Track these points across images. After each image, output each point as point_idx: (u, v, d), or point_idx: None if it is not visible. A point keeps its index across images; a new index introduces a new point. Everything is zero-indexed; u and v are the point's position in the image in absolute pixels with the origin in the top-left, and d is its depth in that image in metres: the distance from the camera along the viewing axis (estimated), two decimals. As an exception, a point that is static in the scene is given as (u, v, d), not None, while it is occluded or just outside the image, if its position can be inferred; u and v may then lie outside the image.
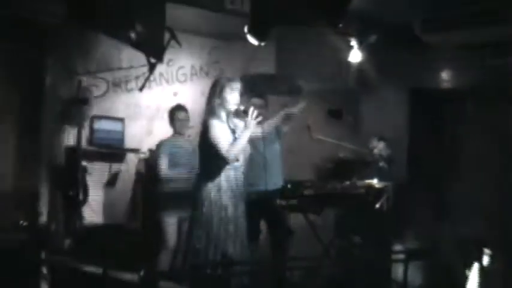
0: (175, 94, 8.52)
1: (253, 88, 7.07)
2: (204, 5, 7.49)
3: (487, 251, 6.14)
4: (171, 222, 6.80)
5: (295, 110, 6.36)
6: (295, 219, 7.16)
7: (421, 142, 8.49)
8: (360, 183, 7.00)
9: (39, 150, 7.46)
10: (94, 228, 7.46)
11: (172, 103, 7.46)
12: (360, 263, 6.92)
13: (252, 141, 5.88)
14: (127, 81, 8.18)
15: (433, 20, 7.51)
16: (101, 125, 7.92)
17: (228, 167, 5.60)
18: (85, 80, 7.75)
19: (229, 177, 5.60)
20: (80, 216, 7.35)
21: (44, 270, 5.97)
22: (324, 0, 6.52)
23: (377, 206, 6.92)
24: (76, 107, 7.54)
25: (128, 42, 7.01)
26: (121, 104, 8.18)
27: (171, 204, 6.76)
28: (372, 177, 7.16)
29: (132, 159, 8.10)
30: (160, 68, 8.05)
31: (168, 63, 8.36)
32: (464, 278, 6.06)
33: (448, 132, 8.55)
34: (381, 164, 8.02)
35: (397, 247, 7.59)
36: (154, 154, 7.13)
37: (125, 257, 6.87)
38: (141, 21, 6.81)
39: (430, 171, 8.28)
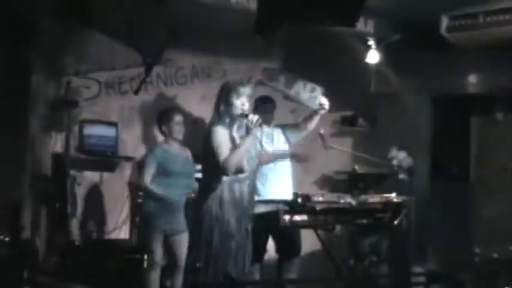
0: (174, 97, 8.45)
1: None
2: (206, 0, 7.42)
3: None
4: (153, 237, 6.66)
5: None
6: (306, 237, 7.08)
7: (445, 152, 8.39)
8: (377, 197, 6.95)
9: (23, 157, 7.38)
10: (82, 245, 7.35)
11: (172, 105, 7.41)
12: (376, 285, 6.84)
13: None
14: (121, 83, 8.12)
15: (459, 17, 7.43)
16: (92, 130, 7.84)
17: (231, 178, 5.52)
18: (75, 81, 7.67)
19: (232, 190, 5.55)
20: (67, 231, 7.25)
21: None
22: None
23: (396, 222, 6.86)
24: (64, 110, 7.48)
25: (122, 40, 6.95)
26: (114, 107, 8.10)
27: (162, 217, 6.65)
28: (390, 191, 7.07)
29: (126, 168, 8.01)
30: (157, 69, 7.98)
31: (166, 64, 8.30)
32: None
33: (476, 142, 8.45)
34: (401, 176, 7.94)
35: (417, 269, 7.50)
36: (145, 160, 6.99)
37: (115, 275, 6.80)
38: (137, 18, 6.75)
39: (455, 185, 8.19)
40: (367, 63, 8.25)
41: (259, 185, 6.64)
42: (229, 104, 5.60)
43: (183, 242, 6.69)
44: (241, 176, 5.57)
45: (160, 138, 7.06)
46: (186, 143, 7.01)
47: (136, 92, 7.69)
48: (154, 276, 6.69)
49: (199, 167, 7.20)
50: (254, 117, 5.49)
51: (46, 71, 7.56)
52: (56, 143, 7.56)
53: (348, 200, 6.76)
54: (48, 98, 7.57)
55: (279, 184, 6.83)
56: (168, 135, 6.85)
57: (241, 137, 5.58)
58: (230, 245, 5.47)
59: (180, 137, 6.91)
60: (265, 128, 6.86)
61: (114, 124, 8.01)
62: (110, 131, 7.95)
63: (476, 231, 7.97)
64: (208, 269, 5.43)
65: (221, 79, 8.65)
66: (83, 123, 7.76)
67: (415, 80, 8.21)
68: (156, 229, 6.64)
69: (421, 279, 6.19)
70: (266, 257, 7.10)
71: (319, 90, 6.90)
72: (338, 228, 7.22)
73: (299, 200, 6.53)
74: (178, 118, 6.92)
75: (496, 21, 7.25)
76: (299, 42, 8.37)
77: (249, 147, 5.53)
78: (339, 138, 8.50)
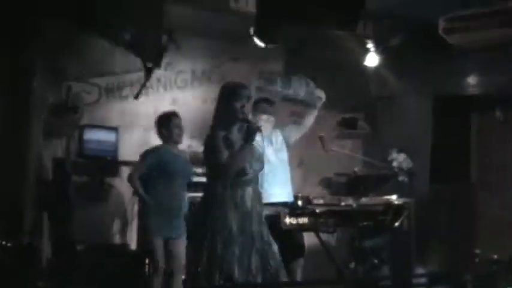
0: (174, 101, 8.46)
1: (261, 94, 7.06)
2: (206, 4, 7.44)
3: (519, 275, 6.03)
4: (153, 241, 6.67)
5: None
6: (306, 239, 7.09)
7: (445, 154, 8.40)
8: (377, 199, 6.97)
9: (24, 162, 7.38)
10: (83, 249, 7.36)
11: (171, 109, 7.40)
12: (377, 287, 6.85)
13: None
14: (121, 88, 8.14)
15: (459, 19, 7.45)
16: (93, 135, 7.85)
17: (234, 182, 5.52)
18: (75, 86, 7.69)
19: (235, 194, 5.53)
20: (69, 236, 7.26)
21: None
22: (338, -1, 6.48)
23: (396, 224, 6.87)
24: (65, 115, 7.49)
25: (122, 44, 6.97)
26: (114, 112, 8.12)
27: (162, 221, 6.66)
28: (390, 193, 7.08)
29: (126, 173, 8.01)
30: (157, 73, 7.97)
31: (166, 68, 8.29)
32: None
33: (476, 144, 8.46)
34: (401, 178, 7.94)
35: (419, 270, 7.51)
36: (142, 162, 6.97)
37: (116, 280, 6.82)
38: (137, 22, 6.77)
39: (456, 186, 8.19)
40: (366, 66, 8.26)
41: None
42: (229, 107, 5.57)
43: (181, 246, 6.71)
44: (244, 179, 5.57)
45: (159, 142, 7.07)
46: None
47: (136, 97, 7.70)
48: (157, 280, 6.71)
49: (199, 170, 7.36)
50: (255, 125, 5.51)
51: (47, 76, 7.56)
52: (57, 148, 7.57)
53: (348, 202, 6.78)
54: (49, 103, 7.58)
55: (278, 187, 6.81)
56: (167, 138, 6.85)
57: (241, 142, 5.58)
58: (234, 248, 5.45)
59: (180, 140, 6.92)
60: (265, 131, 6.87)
61: (114, 129, 8.01)
62: (110, 136, 7.96)
63: (476, 232, 7.98)
64: (213, 273, 5.40)
65: (221, 83, 8.68)
66: (84, 128, 7.77)
67: (415, 81, 8.22)
68: (156, 233, 6.65)
69: (423, 280, 6.18)
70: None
71: (312, 84, 6.92)
72: (339, 230, 7.22)
73: (300, 202, 6.55)
74: (176, 121, 6.92)
75: (494, 22, 7.27)
76: (299, 45, 8.40)
77: (247, 153, 5.54)
78: (339, 141, 8.51)
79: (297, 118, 7.11)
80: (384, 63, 8.17)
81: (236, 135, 5.59)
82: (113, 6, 6.69)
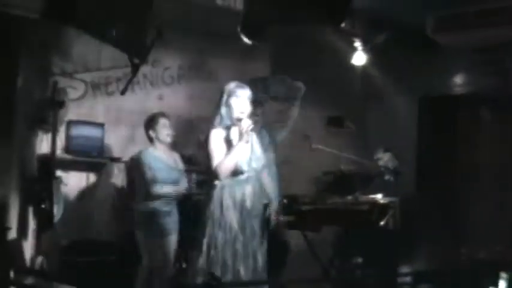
0: (160, 98, 8.47)
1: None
2: (194, 0, 7.43)
3: (503, 274, 6.06)
4: (151, 242, 6.70)
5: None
6: (292, 237, 7.11)
7: (431, 153, 8.43)
8: (363, 198, 6.98)
9: (8, 157, 7.35)
10: (69, 246, 7.35)
11: (158, 107, 7.40)
12: (362, 286, 6.87)
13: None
14: (107, 83, 8.12)
15: (446, 18, 7.47)
16: (79, 130, 7.83)
17: (231, 181, 5.60)
18: (61, 81, 7.65)
19: (233, 193, 5.61)
20: (54, 232, 7.25)
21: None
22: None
23: (382, 223, 6.89)
24: (51, 111, 7.44)
25: (108, 40, 6.94)
26: (101, 108, 8.11)
27: (152, 221, 6.67)
28: (376, 192, 7.10)
29: (112, 169, 8.01)
30: (144, 69, 8.00)
31: (153, 64, 8.31)
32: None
33: (462, 143, 8.48)
34: (387, 177, 7.96)
35: (404, 269, 7.54)
36: (135, 165, 7.00)
37: (102, 277, 6.81)
38: (124, 18, 6.75)
39: (441, 186, 8.23)
40: (354, 64, 8.28)
41: None
42: (228, 107, 5.68)
43: (170, 244, 6.73)
44: (241, 178, 5.63)
45: (147, 141, 7.06)
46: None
47: (123, 93, 7.68)
48: (143, 278, 6.72)
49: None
50: (246, 122, 5.55)
51: (32, 71, 7.54)
52: (42, 144, 7.53)
53: (334, 200, 6.79)
54: (35, 99, 7.55)
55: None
56: (156, 139, 6.85)
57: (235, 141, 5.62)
58: (236, 247, 5.53)
59: (169, 139, 6.92)
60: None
61: (100, 125, 7.99)
62: (96, 132, 7.94)
63: (462, 231, 8.02)
64: (216, 271, 5.47)
65: (208, 80, 8.70)
66: (70, 123, 7.76)
67: (402, 80, 8.24)
68: (146, 231, 6.66)
69: (407, 279, 6.22)
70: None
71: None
72: (324, 229, 7.23)
73: (286, 201, 6.55)
74: (164, 121, 6.92)
75: (482, 22, 7.29)
76: (286, 43, 8.41)
77: (240, 151, 5.56)
78: (325, 139, 8.51)
79: (282, 116, 7.11)
80: (371, 62, 8.18)
81: (235, 134, 5.64)
82: (100, 1, 6.66)
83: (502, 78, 7.67)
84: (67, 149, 7.73)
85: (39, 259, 7.09)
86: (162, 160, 6.80)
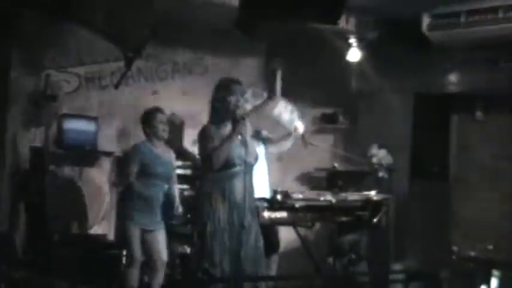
0: (154, 92, 8.44)
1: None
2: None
3: (495, 272, 6.07)
4: (130, 231, 6.67)
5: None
6: (285, 234, 7.10)
7: (425, 151, 8.43)
8: (356, 195, 6.96)
9: (1, 151, 7.35)
10: (60, 239, 7.34)
11: (152, 102, 7.38)
12: (354, 282, 6.87)
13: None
14: (101, 77, 8.09)
15: (441, 16, 7.47)
16: (72, 124, 7.81)
17: (222, 174, 5.61)
18: (54, 75, 7.64)
19: (223, 186, 5.63)
20: (46, 226, 7.23)
21: (3, 285, 5.86)
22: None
23: (375, 220, 6.89)
24: (44, 104, 7.45)
25: (103, 34, 6.93)
26: (94, 101, 8.08)
27: (140, 213, 6.66)
28: (370, 189, 7.10)
29: (105, 163, 8.00)
30: (138, 64, 7.97)
31: (147, 59, 8.27)
32: (471, 302, 6.00)
33: (456, 141, 8.49)
34: (381, 174, 7.97)
35: (397, 266, 7.55)
36: (129, 158, 6.99)
37: (94, 270, 6.80)
38: (118, 12, 6.74)
39: (435, 184, 8.23)
40: (348, 61, 8.28)
41: None
42: (223, 102, 5.70)
43: (160, 238, 6.73)
44: (232, 171, 5.64)
45: (141, 134, 7.05)
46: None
47: (116, 87, 7.68)
48: (134, 272, 6.71)
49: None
50: (239, 114, 5.57)
51: (25, 65, 7.52)
52: (35, 137, 7.52)
53: (327, 197, 6.79)
54: (28, 92, 7.53)
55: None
56: (152, 135, 6.84)
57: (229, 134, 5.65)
58: (224, 240, 5.53)
59: (165, 135, 6.90)
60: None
61: (93, 119, 7.97)
62: (89, 126, 7.92)
63: (454, 229, 8.03)
64: (203, 264, 5.48)
65: (202, 75, 8.69)
66: (63, 117, 7.73)
67: (396, 78, 8.24)
68: (135, 225, 6.65)
69: (400, 276, 6.22)
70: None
71: (296, 113, 7.00)
72: (317, 225, 7.24)
73: (278, 197, 6.54)
74: (161, 117, 6.91)
75: (476, 20, 7.30)
76: (281, 39, 8.40)
77: (232, 143, 5.59)
78: (319, 136, 8.52)
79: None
80: (365, 59, 8.18)
81: (228, 128, 5.67)
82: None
83: (496, 77, 7.68)
84: (60, 143, 7.70)
85: (30, 252, 7.09)
86: (157, 155, 6.79)
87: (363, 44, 8.01)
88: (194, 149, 7.51)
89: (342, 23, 7.72)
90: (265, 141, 6.98)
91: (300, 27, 7.74)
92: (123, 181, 6.79)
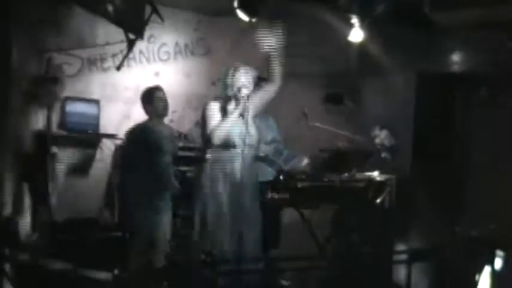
0: (156, 74, 8.44)
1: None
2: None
3: (499, 252, 6.05)
4: (140, 216, 6.69)
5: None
6: (288, 215, 7.09)
7: (428, 131, 8.39)
8: (359, 175, 6.96)
9: (3, 134, 7.32)
10: (64, 222, 7.34)
11: (154, 84, 7.37)
12: (358, 263, 6.87)
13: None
14: (103, 59, 8.09)
15: (446, -4, 7.43)
16: (74, 107, 7.82)
17: (223, 154, 5.65)
18: (56, 57, 7.62)
19: (223, 166, 5.69)
20: (49, 209, 7.23)
21: (7, 268, 5.85)
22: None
23: (378, 201, 6.89)
24: (46, 87, 7.44)
25: (104, 15, 6.90)
26: (96, 84, 8.08)
27: (148, 196, 6.67)
28: (373, 170, 7.08)
29: (108, 146, 7.99)
30: (140, 45, 7.97)
31: (149, 40, 8.27)
32: (474, 282, 5.98)
33: (459, 121, 8.45)
34: (384, 154, 7.92)
35: (400, 247, 7.54)
36: (130, 139, 6.99)
37: (98, 254, 6.81)
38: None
39: (438, 164, 8.20)
40: (351, 41, 8.23)
41: None
42: (232, 80, 5.84)
43: (167, 220, 6.74)
44: (233, 151, 5.65)
45: (143, 116, 7.04)
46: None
47: (118, 68, 7.66)
48: (138, 255, 6.73)
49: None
50: (243, 92, 5.59)
51: (27, 47, 7.49)
52: (38, 120, 7.52)
53: (331, 178, 6.77)
54: (30, 75, 7.52)
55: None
56: (153, 113, 6.85)
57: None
58: (225, 222, 5.59)
59: (165, 113, 6.92)
60: None
61: (96, 101, 7.98)
62: (91, 108, 7.93)
63: (458, 209, 8.00)
64: (204, 245, 5.50)
65: (204, 56, 8.66)
66: (65, 100, 7.74)
67: (399, 58, 8.19)
68: (141, 207, 6.66)
69: (403, 257, 6.21)
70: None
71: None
72: (321, 206, 7.22)
73: (282, 177, 6.53)
74: (160, 95, 6.92)
75: (480, 0, 7.25)
76: (283, 20, 8.36)
77: (234, 122, 5.60)
78: (323, 117, 8.49)
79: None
80: (368, 39, 8.12)
81: (231, 106, 5.68)
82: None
83: (500, 56, 7.63)
84: (62, 126, 7.71)
85: (34, 236, 7.09)
86: (159, 133, 6.79)
87: (366, 24, 7.95)
88: (197, 130, 7.52)
89: (344, 2, 7.67)
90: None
91: (301, 7, 7.71)
92: (128, 162, 6.79)
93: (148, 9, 7.13)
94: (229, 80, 5.83)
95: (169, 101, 7.07)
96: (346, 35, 8.09)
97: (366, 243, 7.40)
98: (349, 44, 8.19)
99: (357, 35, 7.99)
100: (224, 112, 5.69)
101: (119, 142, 7.85)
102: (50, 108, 7.35)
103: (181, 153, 7.41)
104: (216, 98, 5.84)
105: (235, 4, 6.84)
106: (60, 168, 7.58)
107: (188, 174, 7.53)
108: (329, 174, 6.87)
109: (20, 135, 7.44)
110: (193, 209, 5.66)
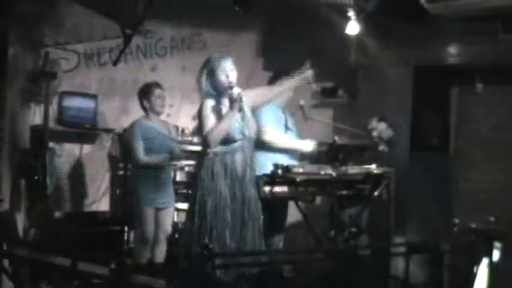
0: (153, 69, 8.42)
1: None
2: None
3: (497, 244, 6.02)
4: (145, 211, 6.69)
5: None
6: (285, 207, 7.06)
7: (425, 124, 8.37)
8: (357, 168, 6.91)
9: (0, 129, 7.30)
10: (62, 217, 7.31)
11: (151, 79, 7.36)
12: (356, 256, 6.85)
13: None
14: (100, 54, 8.08)
15: (441, -13, 7.38)
16: (71, 102, 7.82)
17: (223, 149, 5.61)
18: (53, 52, 7.60)
19: (224, 161, 5.62)
20: (47, 204, 7.21)
21: (6, 263, 5.82)
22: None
23: (376, 194, 6.85)
24: (43, 82, 7.40)
25: (101, 10, 6.88)
26: (93, 79, 8.08)
27: (146, 191, 6.65)
28: (370, 162, 7.05)
29: (105, 140, 7.97)
30: (136, 40, 7.96)
31: (145, 35, 8.24)
32: (472, 275, 5.95)
33: (456, 113, 8.43)
34: (381, 147, 7.90)
35: (398, 239, 7.52)
36: (128, 135, 6.97)
37: (96, 249, 6.78)
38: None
39: (436, 156, 8.18)
40: (347, 34, 8.19)
41: None
42: (213, 77, 5.67)
43: (168, 216, 6.74)
44: (233, 146, 5.62)
45: (140, 111, 7.01)
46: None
47: (115, 63, 7.64)
48: (145, 251, 6.73)
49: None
50: (236, 90, 5.53)
51: (24, 42, 7.47)
52: (35, 115, 7.51)
53: (328, 171, 6.74)
54: (27, 70, 7.49)
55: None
56: (150, 109, 6.83)
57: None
58: (225, 215, 5.53)
59: (162, 110, 6.91)
60: None
61: (93, 96, 7.96)
62: (89, 103, 7.92)
63: (455, 201, 7.99)
64: (204, 239, 5.44)
65: (201, 51, 8.63)
66: (62, 95, 7.73)
67: (396, 50, 8.16)
68: (147, 202, 6.65)
69: (401, 249, 6.18)
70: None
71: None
72: (318, 199, 7.20)
73: (279, 171, 6.49)
74: (158, 91, 6.90)
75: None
76: (279, 13, 8.33)
77: (231, 119, 5.55)
78: (319, 110, 8.46)
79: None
80: (364, 32, 8.09)
81: (226, 104, 5.62)
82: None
83: (496, 48, 7.59)
84: (60, 120, 7.70)
85: (33, 231, 7.07)
86: (156, 129, 6.77)
87: (362, 16, 7.90)
88: (194, 124, 7.50)
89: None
90: None
91: (297, 0, 7.68)
92: (133, 159, 6.78)
93: (144, 4, 7.08)
94: (211, 81, 5.70)
95: (166, 95, 7.04)
96: (343, 27, 8.06)
97: (363, 236, 7.38)
98: (346, 36, 8.16)
99: (353, 28, 7.95)
100: (220, 110, 5.63)
101: (116, 136, 7.84)
102: (47, 103, 7.32)
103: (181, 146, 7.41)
104: (211, 95, 5.73)
105: (232, -1, 6.81)
106: (58, 163, 7.54)
107: (186, 169, 7.52)
108: (326, 167, 6.82)
109: (18, 130, 7.42)
110: (193, 202, 5.62)
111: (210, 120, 5.57)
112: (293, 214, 7.05)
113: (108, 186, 7.96)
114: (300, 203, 6.76)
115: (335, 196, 7.05)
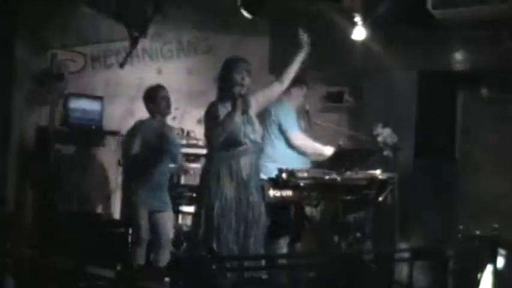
0: (159, 71, 8.41)
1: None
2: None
3: (501, 251, 6.00)
4: (138, 212, 6.64)
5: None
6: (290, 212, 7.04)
7: (430, 129, 8.35)
8: (361, 174, 6.91)
9: (7, 130, 7.33)
10: (67, 218, 7.30)
11: (157, 81, 7.34)
12: (360, 261, 6.82)
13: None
14: (106, 56, 8.10)
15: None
16: (77, 103, 7.81)
17: (228, 153, 5.60)
18: (60, 54, 7.61)
19: (229, 164, 5.61)
20: (51, 205, 7.21)
21: (9, 264, 5.82)
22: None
23: (380, 199, 6.83)
24: (50, 84, 7.42)
25: (108, 13, 6.88)
26: (99, 81, 8.09)
27: (147, 192, 6.63)
28: (375, 168, 7.03)
29: (111, 142, 7.96)
30: (143, 43, 7.97)
31: (152, 38, 8.24)
32: (476, 281, 5.93)
33: (461, 119, 8.41)
34: (386, 153, 7.87)
35: (402, 245, 7.49)
36: (127, 131, 6.94)
37: (101, 250, 6.78)
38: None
39: (440, 162, 8.16)
40: (353, 39, 8.18)
41: None
42: (229, 80, 5.66)
43: (167, 220, 6.71)
44: (238, 149, 5.61)
45: (146, 113, 6.99)
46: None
47: (122, 66, 7.65)
48: (140, 251, 6.69)
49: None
50: (237, 92, 5.53)
51: (31, 44, 7.48)
52: (41, 117, 7.52)
53: (332, 176, 6.72)
54: (33, 71, 7.51)
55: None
56: (155, 111, 6.80)
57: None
58: (230, 219, 5.52)
59: (168, 112, 6.88)
60: None
61: (99, 98, 7.96)
62: (95, 105, 7.92)
63: (460, 208, 7.96)
64: (209, 243, 5.45)
65: (207, 54, 8.62)
66: (69, 96, 7.72)
67: (401, 56, 8.14)
68: (141, 204, 6.62)
69: (405, 255, 6.16)
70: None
71: None
72: (322, 204, 7.18)
73: (284, 175, 6.47)
74: (163, 93, 6.87)
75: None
76: (285, 17, 8.32)
77: (233, 122, 5.53)
78: (324, 114, 8.45)
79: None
80: (370, 37, 8.08)
81: (234, 108, 5.61)
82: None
83: (501, 54, 7.58)
84: (66, 122, 7.70)
85: (37, 231, 7.07)
86: (160, 131, 6.75)
87: (368, 22, 7.90)
88: (199, 128, 7.49)
89: (347, 1, 7.63)
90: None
91: (304, 5, 7.67)
92: (126, 155, 6.75)
93: (151, 6, 7.09)
94: (223, 82, 5.72)
95: (172, 98, 7.02)
96: (349, 33, 8.06)
97: (367, 241, 7.37)
98: (352, 42, 8.15)
99: (359, 33, 7.93)
100: (226, 112, 5.61)
101: (122, 138, 7.82)
102: (53, 105, 7.33)
103: (184, 150, 7.38)
104: (218, 98, 5.71)
105: (239, 2, 6.79)
106: (63, 164, 7.55)
107: (191, 172, 7.50)
108: (331, 172, 6.80)
109: (24, 131, 7.44)
110: (199, 206, 5.61)
111: (214, 122, 5.56)
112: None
113: (113, 188, 7.95)
114: (304, 207, 6.76)
115: (339, 201, 7.04)
